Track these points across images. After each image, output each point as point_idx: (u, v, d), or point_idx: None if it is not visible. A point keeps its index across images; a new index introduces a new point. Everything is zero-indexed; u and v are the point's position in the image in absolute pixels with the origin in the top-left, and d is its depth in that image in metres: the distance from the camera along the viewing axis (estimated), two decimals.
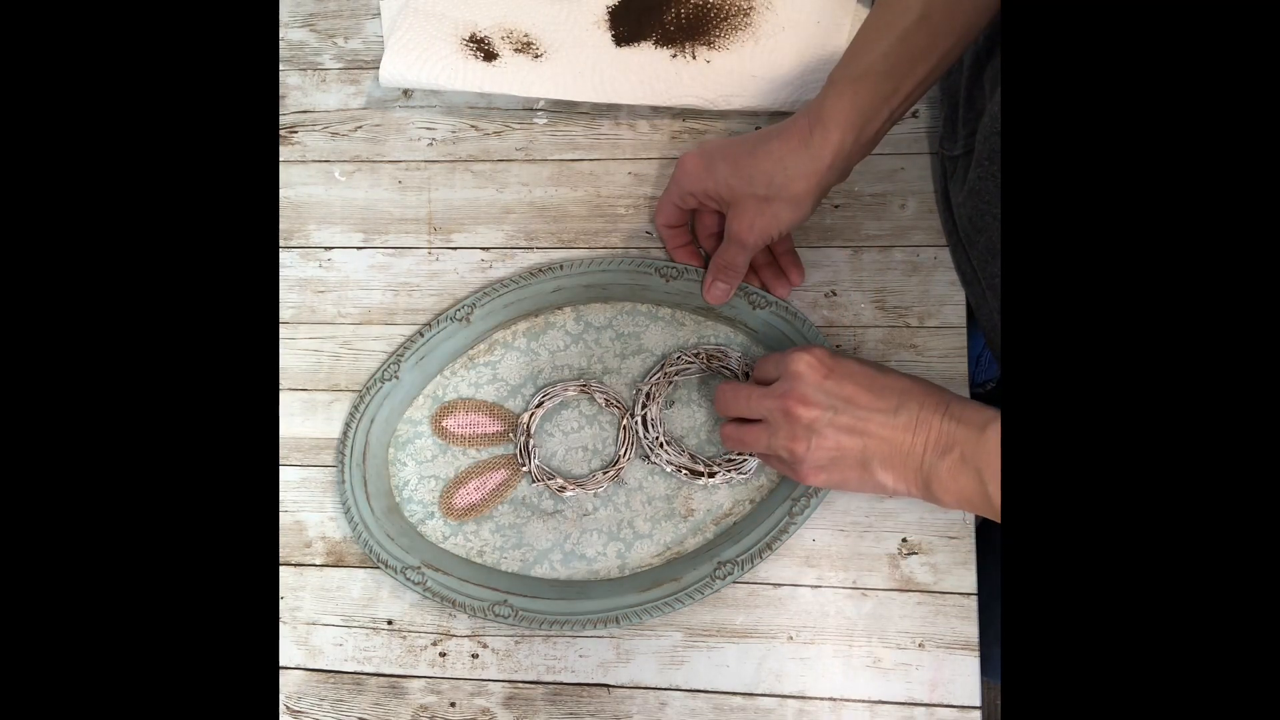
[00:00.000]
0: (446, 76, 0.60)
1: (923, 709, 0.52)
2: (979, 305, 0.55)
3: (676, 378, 0.56)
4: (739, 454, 0.55)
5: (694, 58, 0.59)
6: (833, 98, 0.46)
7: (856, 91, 0.46)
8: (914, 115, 0.58)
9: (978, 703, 0.52)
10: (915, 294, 0.56)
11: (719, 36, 0.59)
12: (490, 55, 0.60)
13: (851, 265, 0.57)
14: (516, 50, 0.60)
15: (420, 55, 0.60)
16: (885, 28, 0.46)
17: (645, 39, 0.60)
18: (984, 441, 0.43)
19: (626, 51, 0.60)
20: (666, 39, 0.60)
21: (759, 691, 0.53)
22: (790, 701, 0.53)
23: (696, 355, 0.56)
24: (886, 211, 0.57)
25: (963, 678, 0.52)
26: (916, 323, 0.56)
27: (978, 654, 0.52)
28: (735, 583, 0.53)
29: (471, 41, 0.61)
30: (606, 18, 0.61)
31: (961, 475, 0.43)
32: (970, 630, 0.52)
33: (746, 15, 0.60)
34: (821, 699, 0.53)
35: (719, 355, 0.56)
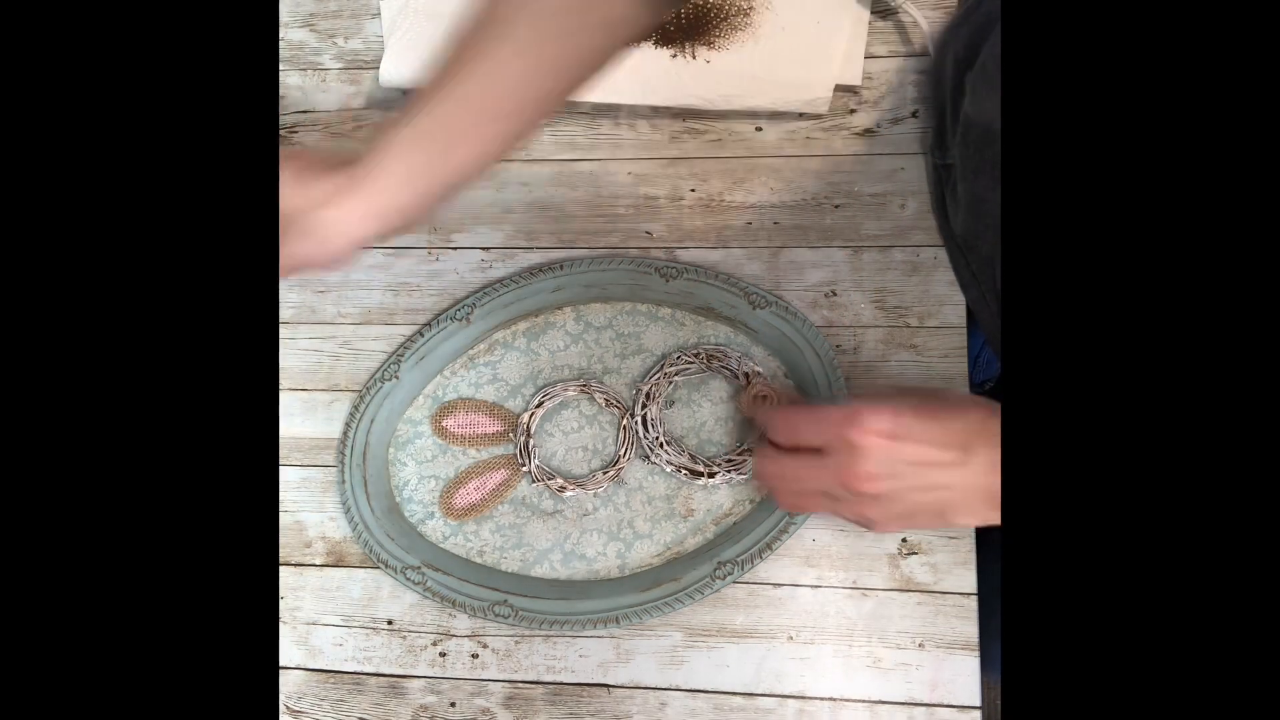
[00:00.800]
0: None
1: (923, 709, 0.52)
2: (979, 308, 0.55)
3: (676, 378, 0.56)
4: (739, 454, 0.55)
5: (694, 58, 0.59)
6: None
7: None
8: (914, 115, 0.58)
9: (978, 703, 0.52)
10: (915, 294, 0.56)
11: (719, 36, 0.59)
12: None
13: (851, 265, 0.57)
14: None
15: (420, 55, 0.60)
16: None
17: (645, 39, 0.60)
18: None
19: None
20: (666, 39, 0.60)
21: (759, 691, 0.53)
22: (790, 701, 0.53)
23: (696, 355, 0.56)
24: (886, 211, 0.57)
25: (963, 678, 0.52)
26: (916, 323, 0.56)
27: (978, 654, 0.52)
28: (735, 583, 0.53)
29: None
30: None
31: None
32: (970, 630, 0.52)
33: (746, 15, 0.60)
34: (821, 699, 0.53)
35: (719, 355, 0.56)
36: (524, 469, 0.56)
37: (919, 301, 0.56)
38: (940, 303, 0.56)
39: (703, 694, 0.53)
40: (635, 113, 0.61)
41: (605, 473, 0.56)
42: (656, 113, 0.60)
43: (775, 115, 0.59)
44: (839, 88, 0.58)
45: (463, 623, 0.56)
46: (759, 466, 0.49)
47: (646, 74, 0.59)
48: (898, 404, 0.43)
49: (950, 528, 0.48)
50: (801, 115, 0.59)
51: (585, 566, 0.55)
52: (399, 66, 0.60)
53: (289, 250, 0.43)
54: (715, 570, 0.53)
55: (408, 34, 0.60)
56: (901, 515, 0.44)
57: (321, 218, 0.42)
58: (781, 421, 0.46)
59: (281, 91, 0.64)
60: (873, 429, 0.42)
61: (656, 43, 0.60)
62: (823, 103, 0.58)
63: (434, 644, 0.56)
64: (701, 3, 0.60)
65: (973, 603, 0.53)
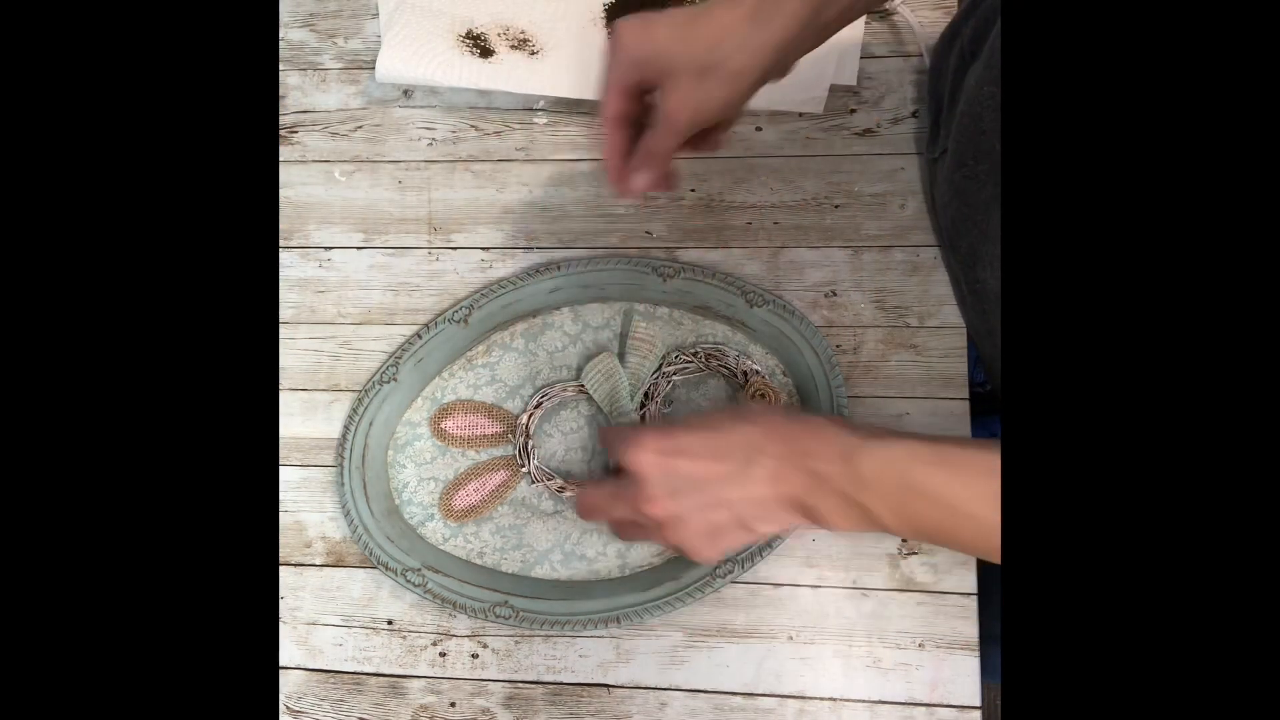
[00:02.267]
0: (443, 73, 0.60)
1: (923, 709, 0.52)
2: (961, 307, 0.55)
3: (675, 378, 0.56)
4: None
5: None
6: None
7: None
8: (914, 115, 0.58)
9: (978, 703, 0.52)
10: (915, 294, 0.56)
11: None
12: (486, 52, 0.60)
13: (851, 265, 0.57)
14: (513, 47, 0.60)
15: (417, 51, 0.60)
16: None
17: None
18: (855, 476, 0.41)
19: None
20: None
21: (759, 691, 0.53)
22: (790, 701, 0.53)
23: (695, 355, 0.56)
24: (886, 211, 0.57)
25: (963, 678, 0.52)
26: (916, 323, 0.56)
27: (978, 654, 0.52)
28: (735, 583, 0.53)
29: (468, 38, 0.61)
30: (603, 15, 0.61)
31: (850, 512, 0.42)
32: (970, 630, 0.52)
33: None
34: (821, 699, 0.52)
35: (717, 355, 0.56)
36: (523, 470, 0.56)
37: (919, 301, 0.56)
38: (940, 303, 0.56)
39: (703, 694, 0.53)
40: None
41: (605, 472, 0.56)
42: None
43: (774, 115, 0.59)
44: (835, 88, 0.58)
45: (463, 623, 0.56)
46: (577, 497, 0.49)
47: None
48: (677, 424, 0.45)
49: (767, 538, 0.47)
50: (801, 115, 0.59)
51: (586, 567, 0.55)
52: (395, 63, 0.60)
53: (697, 97, 0.42)
54: (715, 569, 0.53)
55: (404, 30, 0.60)
56: (704, 534, 0.44)
57: (720, 51, 0.41)
58: (608, 441, 0.47)
59: (281, 91, 0.64)
60: (648, 449, 0.43)
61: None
62: (818, 102, 0.58)
63: (434, 644, 0.56)
64: (698, 2, 0.60)
65: (973, 603, 0.53)
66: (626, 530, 0.48)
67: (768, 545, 0.53)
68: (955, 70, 0.53)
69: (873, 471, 0.41)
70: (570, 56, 0.60)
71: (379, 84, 0.61)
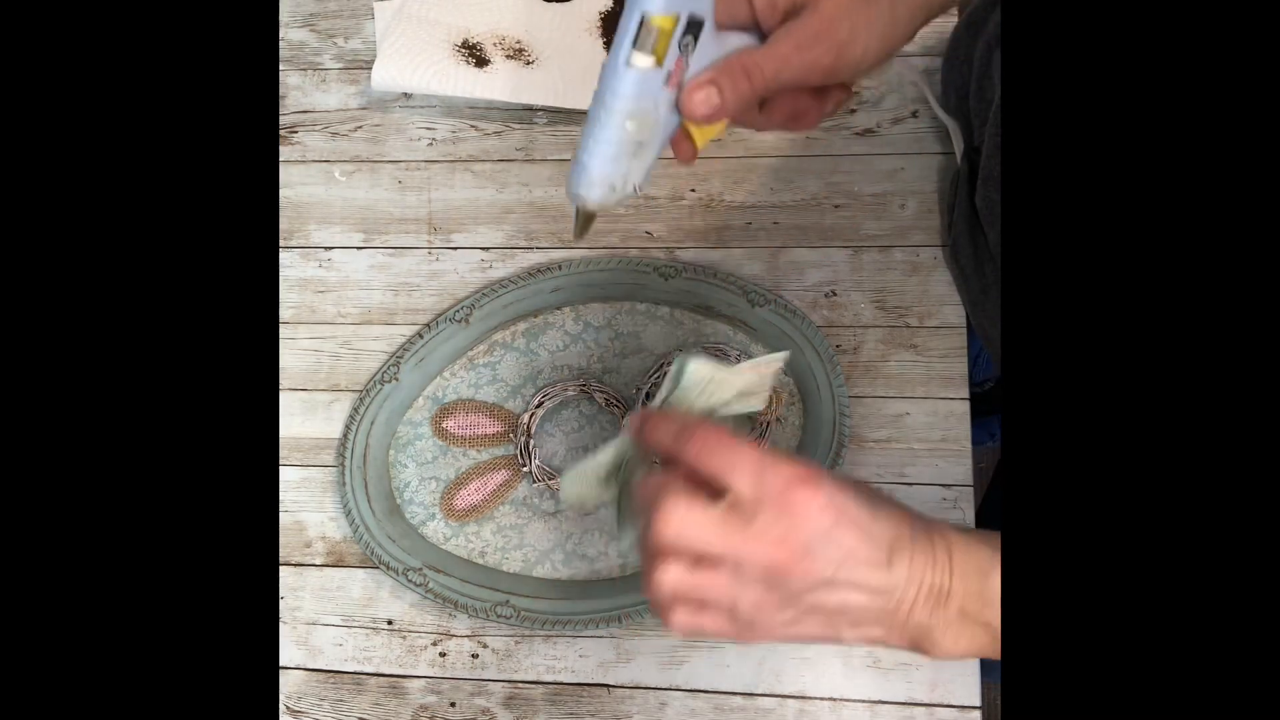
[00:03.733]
0: (438, 82, 0.60)
1: (923, 709, 0.52)
2: (975, 306, 0.55)
3: None
4: None
5: None
6: None
7: None
8: (914, 115, 0.58)
9: (978, 703, 0.52)
10: (915, 294, 0.56)
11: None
12: (482, 61, 0.60)
13: (851, 265, 0.57)
14: (508, 57, 0.60)
15: (412, 61, 0.60)
16: None
17: None
18: (988, 590, 0.34)
19: None
20: None
21: (759, 691, 0.53)
22: (790, 701, 0.53)
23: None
24: (886, 211, 0.57)
25: (963, 678, 0.52)
26: (916, 323, 0.56)
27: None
28: None
29: (464, 48, 0.61)
30: (599, 25, 0.61)
31: (964, 632, 0.34)
32: None
33: None
34: (821, 699, 0.53)
35: (718, 354, 0.56)
36: (525, 469, 0.56)
37: (919, 301, 0.56)
38: (940, 303, 0.56)
39: (703, 694, 0.53)
40: None
41: None
42: None
43: None
44: None
45: (463, 623, 0.56)
46: (640, 420, 0.37)
47: None
48: (839, 478, 0.35)
49: (833, 644, 0.39)
50: None
51: (587, 566, 0.55)
52: (391, 72, 0.60)
53: (809, 58, 0.36)
54: None
55: (400, 39, 0.61)
56: (795, 619, 0.35)
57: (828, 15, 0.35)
58: (698, 440, 0.35)
59: (281, 91, 0.64)
60: (823, 493, 0.33)
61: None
62: None
63: (434, 644, 0.56)
64: None
65: None
66: (710, 618, 0.35)
67: None
68: (980, 59, 0.53)
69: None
70: (565, 66, 0.60)
71: (372, 89, 0.61)
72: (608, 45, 0.60)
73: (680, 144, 0.39)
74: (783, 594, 0.34)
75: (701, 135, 0.38)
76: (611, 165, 0.36)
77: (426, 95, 0.62)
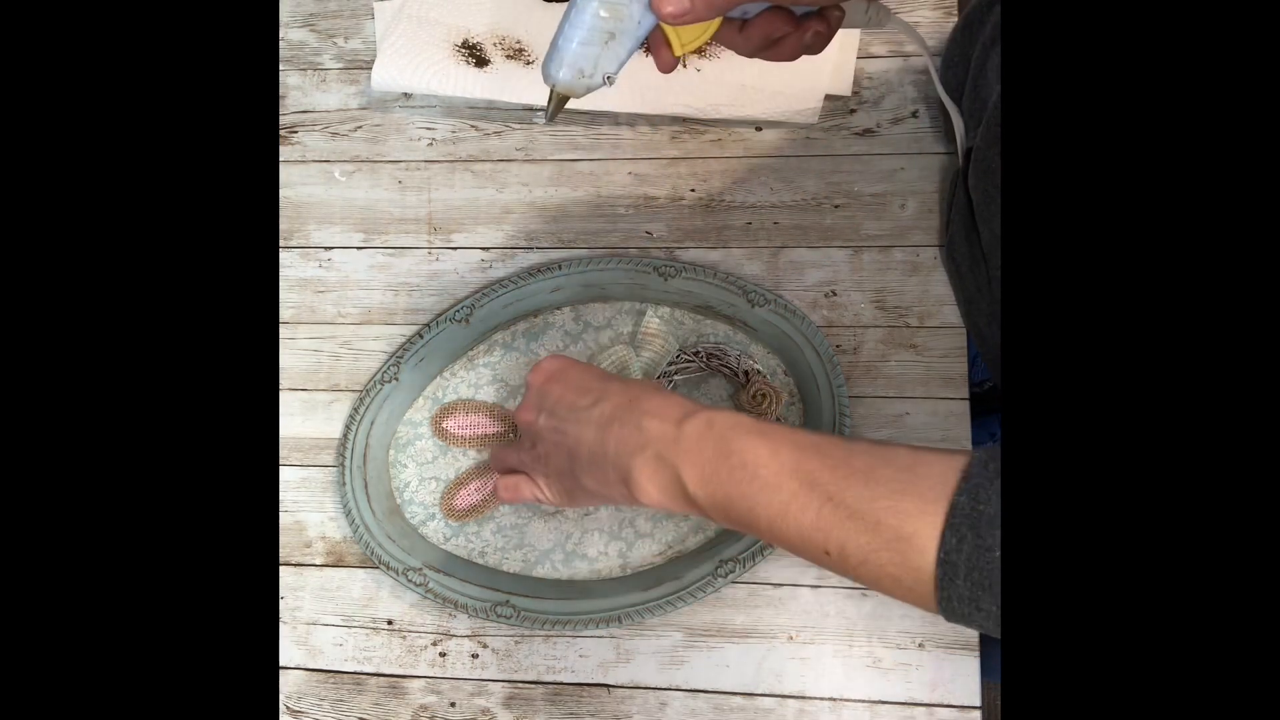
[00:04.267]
0: (438, 82, 0.60)
1: (923, 709, 0.52)
2: (970, 305, 0.55)
3: (676, 377, 0.56)
4: None
5: (684, 66, 0.59)
6: None
7: None
8: (914, 115, 0.58)
9: (978, 703, 0.52)
10: (915, 294, 0.56)
11: (710, 45, 0.59)
12: (482, 61, 0.60)
13: (851, 265, 0.57)
14: (508, 57, 0.60)
15: (413, 61, 0.60)
16: None
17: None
18: (677, 436, 0.40)
19: None
20: None
21: (759, 691, 0.53)
22: (790, 701, 0.53)
23: (696, 354, 0.56)
24: (886, 211, 0.57)
25: (963, 678, 0.52)
26: (916, 323, 0.56)
27: (978, 654, 0.52)
28: (735, 582, 0.53)
29: (464, 48, 0.61)
30: None
31: (660, 474, 0.40)
32: (970, 630, 0.52)
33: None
34: (821, 699, 0.53)
35: (718, 354, 0.56)
36: None
37: (919, 301, 0.56)
38: (940, 303, 0.56)
39: (703, 694, 0.53)
40: (634, 113, 0.61)
41: None
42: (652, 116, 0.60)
43: (767, 124, 0.59)
44: (829, 97, 0.58)
45: (463, 623, 0.56)
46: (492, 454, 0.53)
47: (636, 82, 0.59)
48: (582, 363, 0.48)
49: (593, 503, 0.51)
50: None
51: (587, 566, 0.55)
52: (391, 72, 0.60)
53: None
54: (717, 568, 0.53)
55: (400, 39, 0.60)
56: (552, 465, 0.46)
57: None
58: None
59: (281, 91, 0.64)
60: (543, 368, 0.48)
61: (647, 51, 0.60)
62: (812, 113, 0.58)
63: (434, 644, 0.56)
64: None
65: None
66: (508, 485, 0.49)
67: (769, 545, 0.53)
68: (977, 59, 0.53)
69: (695, 432, 0.39)
70: None
71: (372, 89, 0.61)
72: None
73: (660, 50, 0.40)
74: (538, 442, 0.46)
75: (680, 42, 0.40)
76: (582, 49, 0.38)
77: (426, 95, 0.62)
